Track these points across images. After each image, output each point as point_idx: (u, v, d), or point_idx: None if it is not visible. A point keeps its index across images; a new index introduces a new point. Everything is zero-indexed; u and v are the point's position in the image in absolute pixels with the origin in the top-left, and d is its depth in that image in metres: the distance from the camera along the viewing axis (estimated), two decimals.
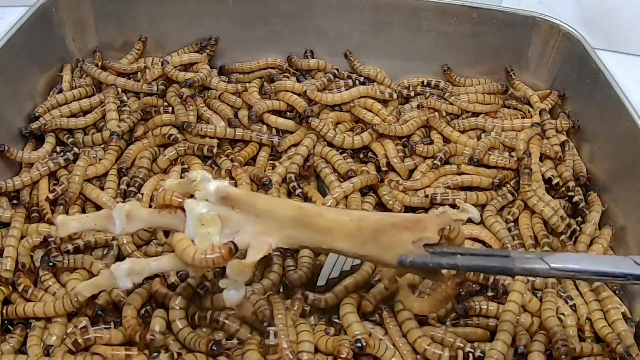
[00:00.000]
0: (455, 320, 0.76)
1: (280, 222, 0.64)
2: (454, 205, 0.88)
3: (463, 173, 0.95)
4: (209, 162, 0.96)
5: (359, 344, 0.67)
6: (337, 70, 1.10)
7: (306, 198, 0.90)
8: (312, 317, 0.77)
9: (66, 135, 0.97)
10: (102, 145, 0.96)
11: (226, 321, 0.71)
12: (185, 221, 0.63)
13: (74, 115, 0.99)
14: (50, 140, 0.95)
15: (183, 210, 0.64)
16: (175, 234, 0.63)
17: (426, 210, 0.89)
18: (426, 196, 0.90)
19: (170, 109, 1.00)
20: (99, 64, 1.09)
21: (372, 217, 0.67)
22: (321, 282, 0.81)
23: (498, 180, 0.92)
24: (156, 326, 0.70)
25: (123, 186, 0.89)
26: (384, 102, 1.06)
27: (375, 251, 0.64)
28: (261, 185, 0.89)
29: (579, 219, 0.91)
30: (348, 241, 0.64)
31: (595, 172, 0.97)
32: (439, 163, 0.95)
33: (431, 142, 0.99)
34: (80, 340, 0.68)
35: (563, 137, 1.03)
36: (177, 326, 0.70)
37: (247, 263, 0.61)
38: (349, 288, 0.77)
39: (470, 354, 0.70)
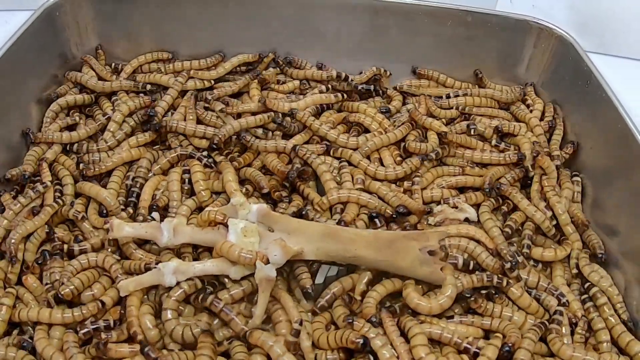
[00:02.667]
0: (450, 317, 0.78)
1: (310, 237, 0.76)
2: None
3: (458, 174, 0.97)
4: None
5: (350, 319, 0.72)
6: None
7: (305, 199, 0.91)
8: (309, 315, 0.78)
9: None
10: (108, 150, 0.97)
11: (235, 317, 0.72)
12: (227, 236, 0.75)
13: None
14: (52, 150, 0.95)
15: (225, 227, 0.76)
16: (222, 242, 0.74)
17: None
18: (438, 203, 0.92)
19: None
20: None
21: (385, 231, 0.83)
22: (319, 279, 0.83)
23: (488, 185, 0.92)
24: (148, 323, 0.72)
25: (128, 181, 0.91)
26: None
27: (390, 256, 0.76)
28: (285, 179, 0.90)
29: None
30: (368, 248, 0.76)
31: (587, 173, 0.98)
32: (433, 156, 0.96)
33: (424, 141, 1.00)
34: (101, 345, 0.70)
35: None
36: (170, 325, 0.72)
37: (288, 248, 0.73)
38: (345, 286, 0.79)
39: (467, 349, 0.72)
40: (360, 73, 1.16)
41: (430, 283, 0.78)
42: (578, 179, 0.97)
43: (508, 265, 0.82)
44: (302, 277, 0.78)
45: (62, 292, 0.73)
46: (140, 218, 0.86)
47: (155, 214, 0.81)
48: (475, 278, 0.79)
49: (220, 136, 0.95)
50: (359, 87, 1.11)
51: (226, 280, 0.77)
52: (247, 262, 0.73)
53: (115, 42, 1.14)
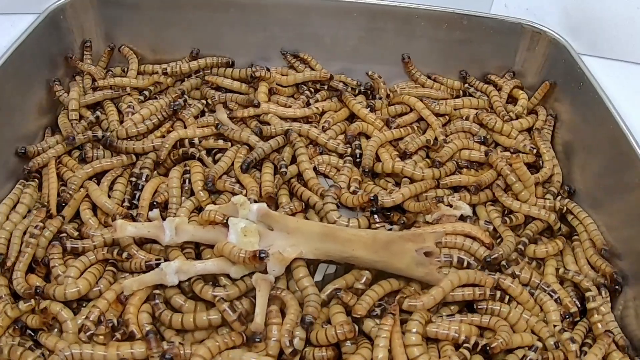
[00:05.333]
0: (451, 315, 0.79)
1: (308, 237, 0.78)
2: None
3: (453, 173, 0.98)
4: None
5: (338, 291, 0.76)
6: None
7: (301, 199, 0.92)
8: None
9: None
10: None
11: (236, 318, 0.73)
12: (228, 235, 0.77)
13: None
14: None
15: (225, 226, 0.77)
16: (222, 242, 0.75)
17: None
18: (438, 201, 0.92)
19: None
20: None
21: (383, 232, 0.83)
22: (318, 277, 0.84)
23: (474, 187, 0.93)
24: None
25: (133, 178, 0.93)
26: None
27: (386, 257, 0.77)
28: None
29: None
30: (365, 249, 0.77)
31: (580, 174, 1.00)
32: (434, 140, 0.99)
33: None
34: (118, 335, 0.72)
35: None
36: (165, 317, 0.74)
37: (284, 257, 0.75)
38: (347, 282, 0.81)
39: (465, 344, 0.73)
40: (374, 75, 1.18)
41: (426, 283, 0.79)
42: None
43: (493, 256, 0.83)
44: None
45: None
46: (141, 219, 0.87)
47: (155, 211, 0.82)
48: (475, 290, 0.79)
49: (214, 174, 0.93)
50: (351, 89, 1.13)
51: (222, 278, 0.78)
52: (235, 260, 0.74)
53: (117, 45, 1.15)
